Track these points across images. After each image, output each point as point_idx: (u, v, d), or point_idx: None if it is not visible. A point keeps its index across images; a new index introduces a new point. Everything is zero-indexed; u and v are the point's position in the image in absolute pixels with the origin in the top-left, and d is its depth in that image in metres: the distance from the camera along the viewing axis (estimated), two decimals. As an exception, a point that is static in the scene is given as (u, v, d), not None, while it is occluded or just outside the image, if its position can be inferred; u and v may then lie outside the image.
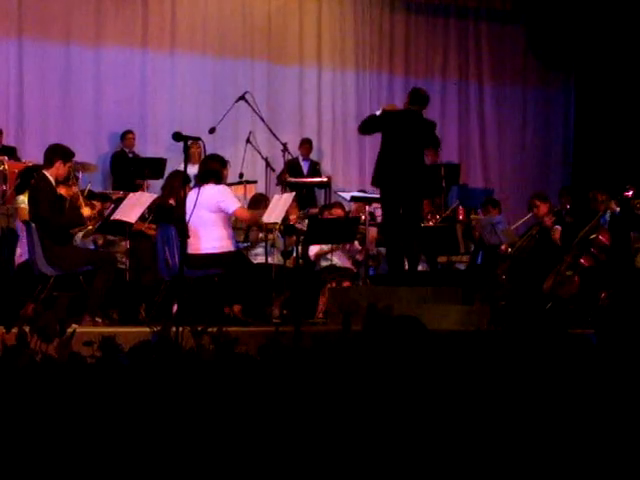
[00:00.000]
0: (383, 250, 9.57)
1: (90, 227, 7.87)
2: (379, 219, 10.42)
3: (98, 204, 8.34)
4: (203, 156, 8.33)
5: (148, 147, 12.02)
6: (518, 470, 2.92)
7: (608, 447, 2.97)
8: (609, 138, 12.95)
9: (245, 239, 8.96)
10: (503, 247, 9.40)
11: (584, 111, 13.86)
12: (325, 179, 11.71)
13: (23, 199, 7.90)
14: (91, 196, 8.62)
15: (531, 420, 3.01)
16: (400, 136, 8.17)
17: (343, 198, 10.72)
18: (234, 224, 8.37)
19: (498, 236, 9.12)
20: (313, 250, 9.74)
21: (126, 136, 11.80)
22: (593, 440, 2.97)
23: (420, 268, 8.76)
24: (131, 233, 8.11)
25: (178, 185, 7.97)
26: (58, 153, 7.41)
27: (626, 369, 3.63)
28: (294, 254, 8.95)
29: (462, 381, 3.69)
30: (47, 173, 7.36)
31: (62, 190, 7.63)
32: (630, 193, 8.78)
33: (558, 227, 8.84)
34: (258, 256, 8.53)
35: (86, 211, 7.85)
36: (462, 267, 10.29)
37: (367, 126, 8.64)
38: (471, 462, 2.92)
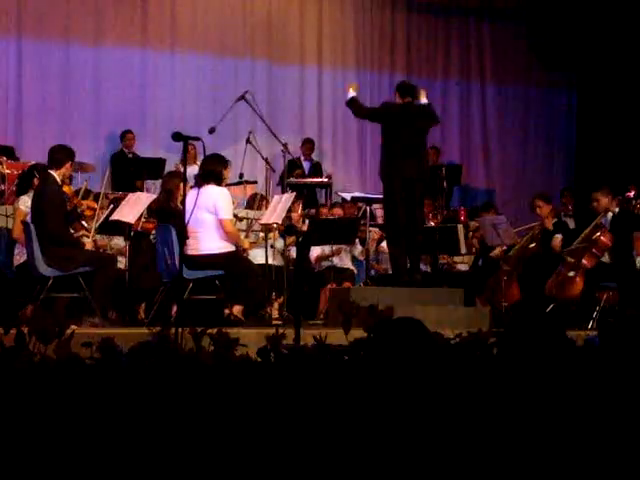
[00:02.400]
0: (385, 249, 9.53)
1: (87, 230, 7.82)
2: (380, 219, 10.38)
3: (93, 203, 8.30)
4: (200, 156, 8.26)
5: (147, 147, 11.97)
6: (520, 473, 2.89)
7: (610, 449, 2.93)
8: (611, 138, 12.92)
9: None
10: (494, 253, 9.34)
11: (586, 111, 13.83)
12: (326, 179, 11.67)
13: (25, 199, 7.84)
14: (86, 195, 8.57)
15: (532, 422, 2.97)
16: (405, 130, 8.08)
17: (344, 198, 10.69)
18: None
19: (500, 237, 9.06)
20: (314, 254, 9.69)
21: (125, 136, 11.75)
22: (594, 442, 2.93)
23: (421, 269, 8.70)
24: (130, 233, 8.06)
25: (177, 185, 7.92)
26: (66, 154, 7.38)
27: (629, 371, 3.59)
28: (294, 254, 8.91)
29: (464, 383, 3.64)
30: (55, 174, 7.30)
31: (65, 189, 7.60)
32: (632, 193, 8.75)
33: (559, 236, 8.77)
34: (258, 257, 8.48)
35: (84, 206, 7.83)
36: (464, 268, 10.25)
37: (366, 114, 8.86)
38: (473, 465, 2.89)
